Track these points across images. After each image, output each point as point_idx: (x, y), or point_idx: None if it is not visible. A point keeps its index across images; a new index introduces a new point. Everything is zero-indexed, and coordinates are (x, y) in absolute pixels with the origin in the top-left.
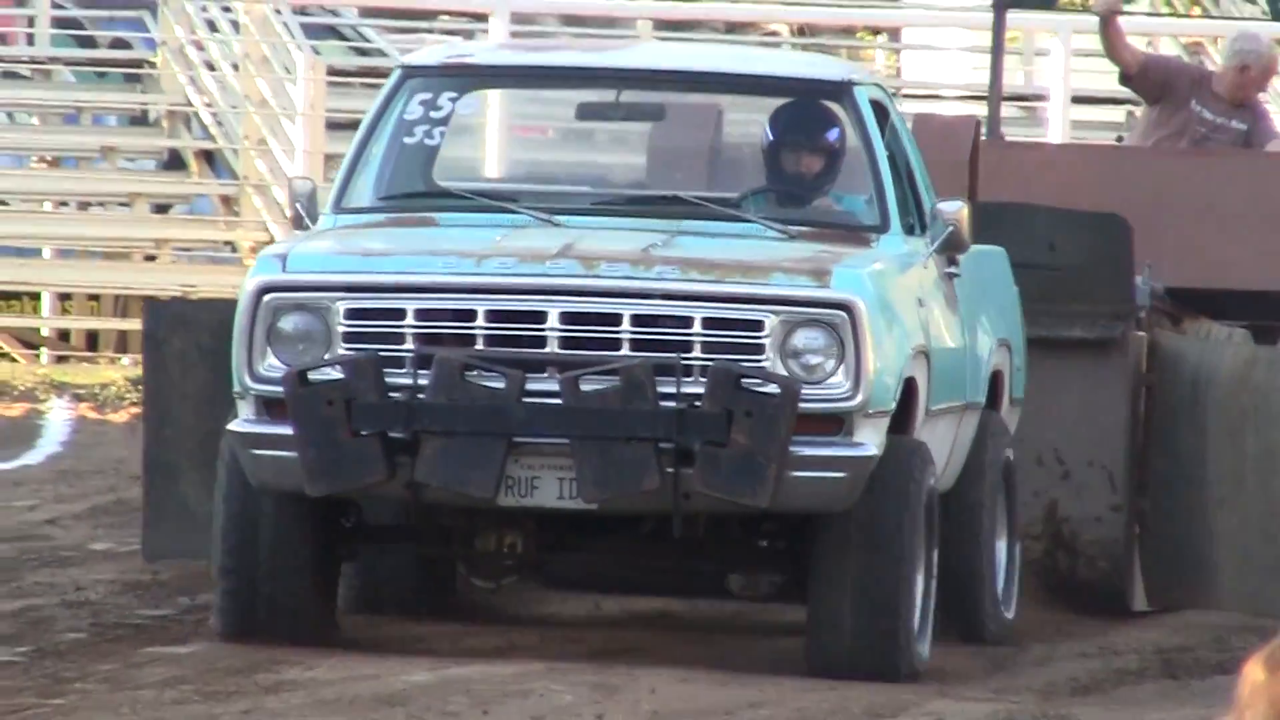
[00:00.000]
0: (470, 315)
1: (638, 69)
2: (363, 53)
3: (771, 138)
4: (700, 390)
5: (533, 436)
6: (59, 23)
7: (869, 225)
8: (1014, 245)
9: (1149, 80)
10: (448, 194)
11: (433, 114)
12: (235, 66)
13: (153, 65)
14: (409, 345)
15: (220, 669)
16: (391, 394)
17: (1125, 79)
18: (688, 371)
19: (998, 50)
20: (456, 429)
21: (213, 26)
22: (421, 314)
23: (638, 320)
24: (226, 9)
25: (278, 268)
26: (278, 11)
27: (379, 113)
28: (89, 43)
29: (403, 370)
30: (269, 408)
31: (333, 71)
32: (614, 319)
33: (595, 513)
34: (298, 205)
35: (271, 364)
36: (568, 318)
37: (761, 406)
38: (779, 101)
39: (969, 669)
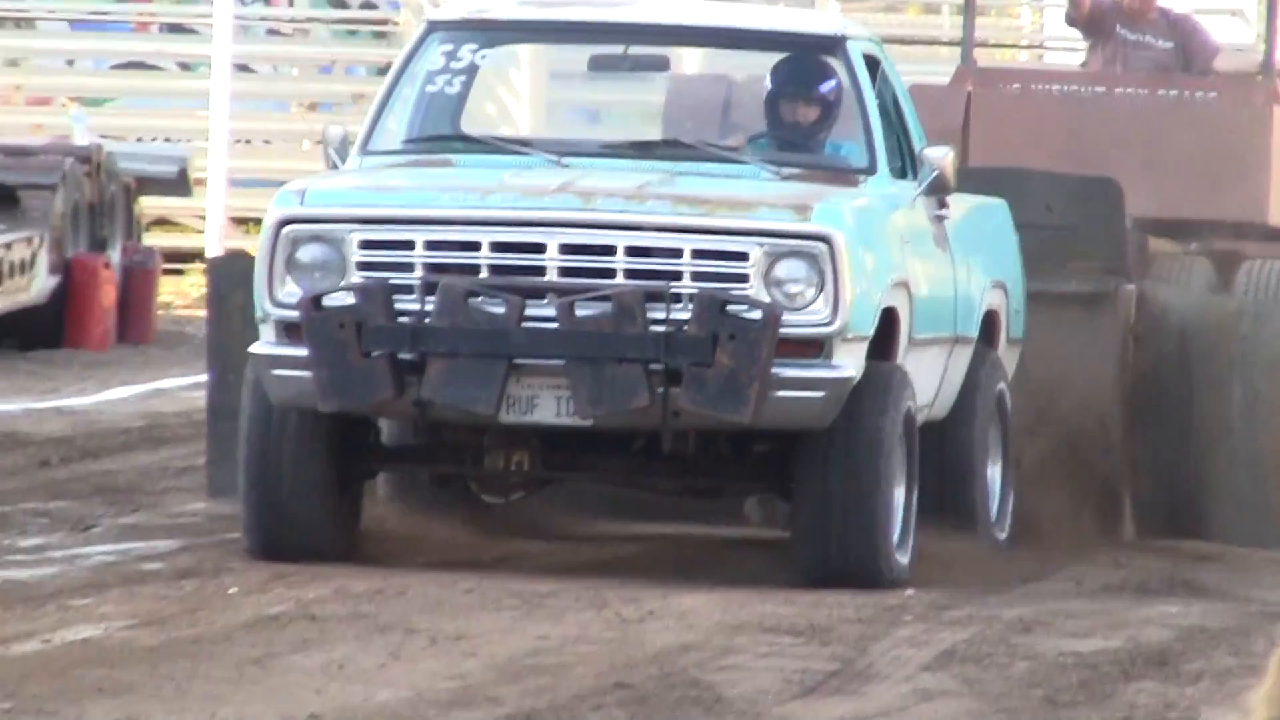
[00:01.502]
0: (475, 246)
1: (645, 24)
2: None
3: (771, 88)
4: (688, 315)
5: (531, 358)
6: None
7: (858, 168)
8: (1014, 206)
9: (1092, 17)
10: (467, 138)
11: (454, 64)
12: None
13: (396, 23)
14: (418, 274)
15: None
16: (400, 318)
17: (1071, 19)
18: (677, 298)
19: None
20: (460, 350)
21: None
22: (430, 244)
23: (631, 251)
24: None
25: (296, 201)
26: None
27: (404, 63)
28: (341, 4)
29: (411, 296)
30: (288, 331)
31: None
32: (609, 249)
33: (590, 429)
34: (330, 149)
35: (290, 291)
36: (566, 248)
37: (744, 330)
38: (779, 55)
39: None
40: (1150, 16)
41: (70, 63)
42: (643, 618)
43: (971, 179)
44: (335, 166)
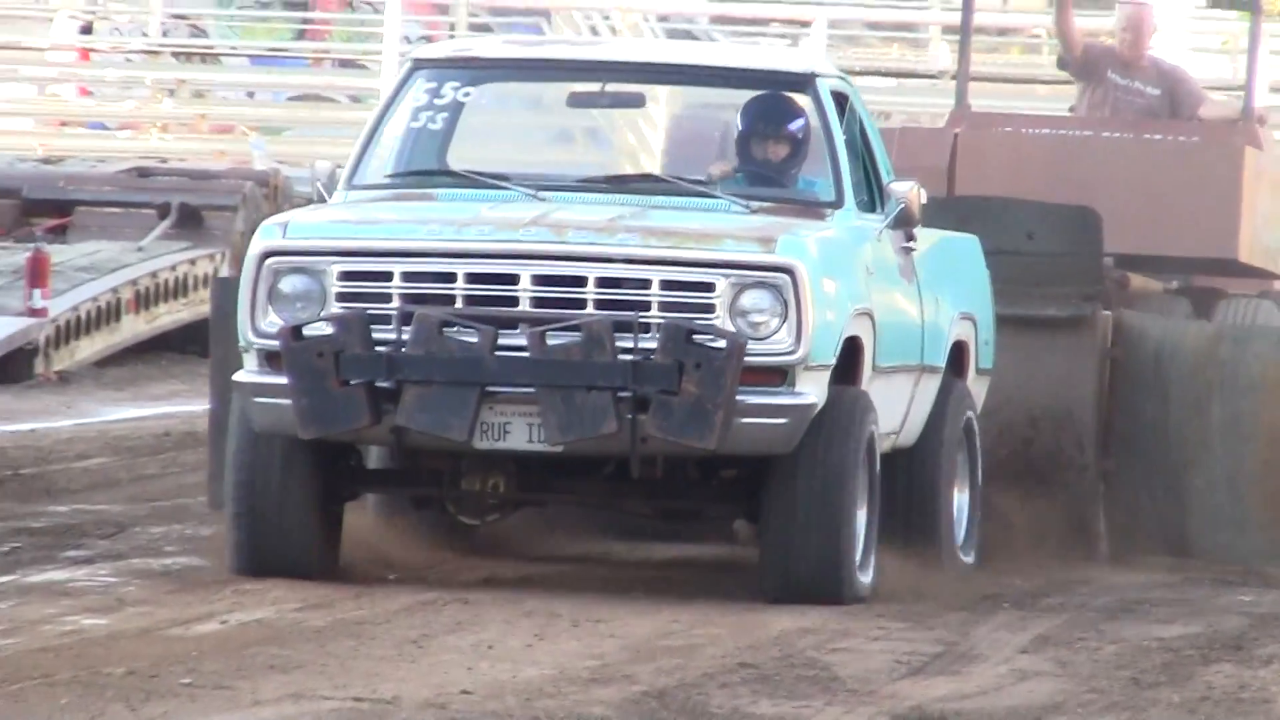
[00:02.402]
0: (450, 277)
1: (623, 62)
2: None
3: (742, 128)
4: (656, 345)
5: (503, 385)
6: (473, 28)
7: (825, 202)
8: (996, 234)
9: (1085, 61)
10: (449, 173)
11: (438, 101)
12: None
13: None
14: (395, 304)
15: None
16: (378, 348)
17: (1064, 63)
18: (645, 328)
19: (966, 27)
20: (435, 378)
21: (594, 31)
22: (406, 276)
23: (602, 282)
24: (606, 17)
25: (279, 234)
26: (646, 19)
27: (390, 100)
28: None
29: (389, 327)
30: (269, 360)
31: None
32: (580, 280)
33: (561, 455)
34: (318, 184)
35: (272, 321)
36: (539, 279)
37: (710, 358)
38: (752, 92)
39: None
40: (1141, 64)
41: (251, 94)
42: (764, 605)
43: (955, 208)
44: (322, 199)
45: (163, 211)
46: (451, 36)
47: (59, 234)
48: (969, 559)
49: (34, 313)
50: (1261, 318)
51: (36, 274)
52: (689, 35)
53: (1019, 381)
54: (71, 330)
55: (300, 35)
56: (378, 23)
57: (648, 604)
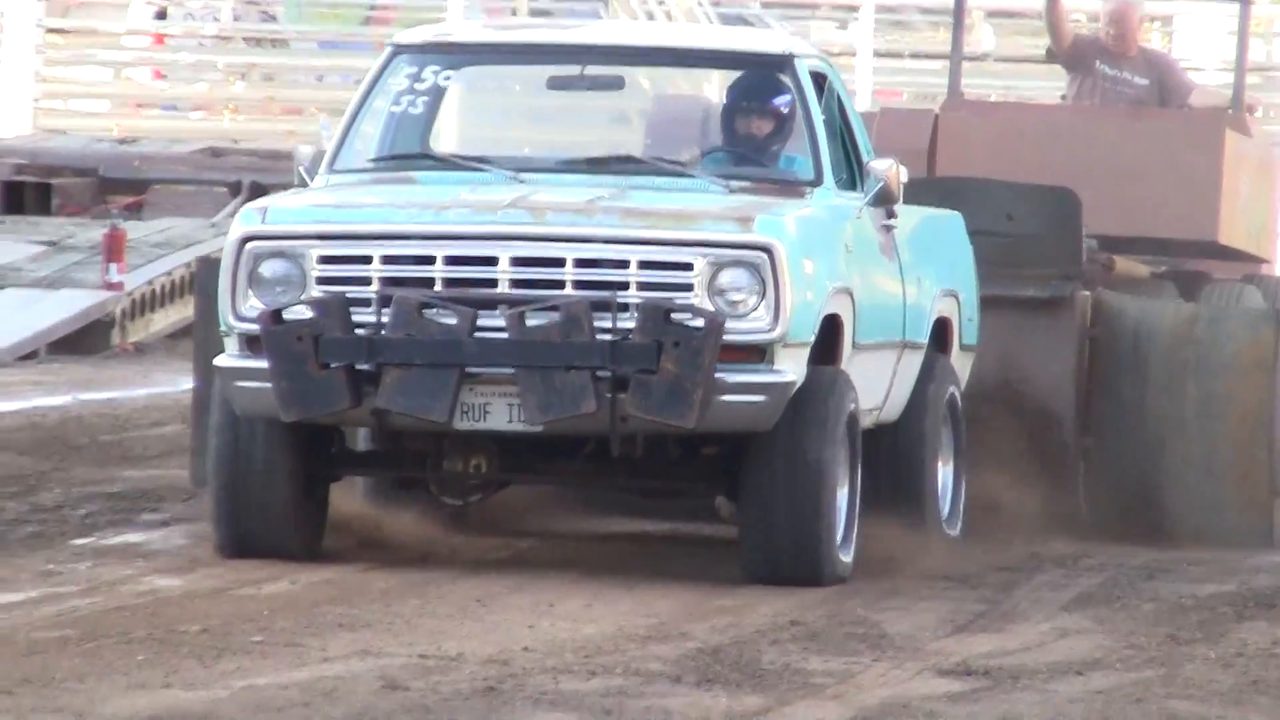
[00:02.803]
0: (430, 260)
1: (603, 45)
2: None
3: (726, 102)
4: (634, 324)
5: (483, 367)
6: (534, 12)
7: (805, 180)
8: (976, 215)
9: (1074, 52)
10: (429, 156)
11: (418, 86)
12: None
13: None
14: (375, 287)
15: None
16: (357, 330)
17: (1053, 55)
18: (624, 308)
19: (958, 14)
20: (414, 360)
21: (650, 16)
22: (386, 259)
23: (580, 263)
24: (660, 1)
25: (259, 219)
26: (700, 4)
27: (370, 85)
28: None
29: (369, 310)
30: (250, 344)
31: None
32: (559, 262)
33: (542, 434)
34: (300, 168)
35: (253, 305)
36: (517, 261)
37: (688, 337)
38: (732, 73)
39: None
40: (1130, 54)
41: (319, 78)
42: None
43: (936, 188)
44: (305, 184)
45: (234, 189)
46: None
47: (135, 211)
48: (954, 532)
49: (111, 286)
50: (1244, 302)
51: (113, 249)
52: (741, 20)
53: (999, 361)
54: (146, 303)
55: (366, 21)
56: (442, 8)
57: (700, 567)
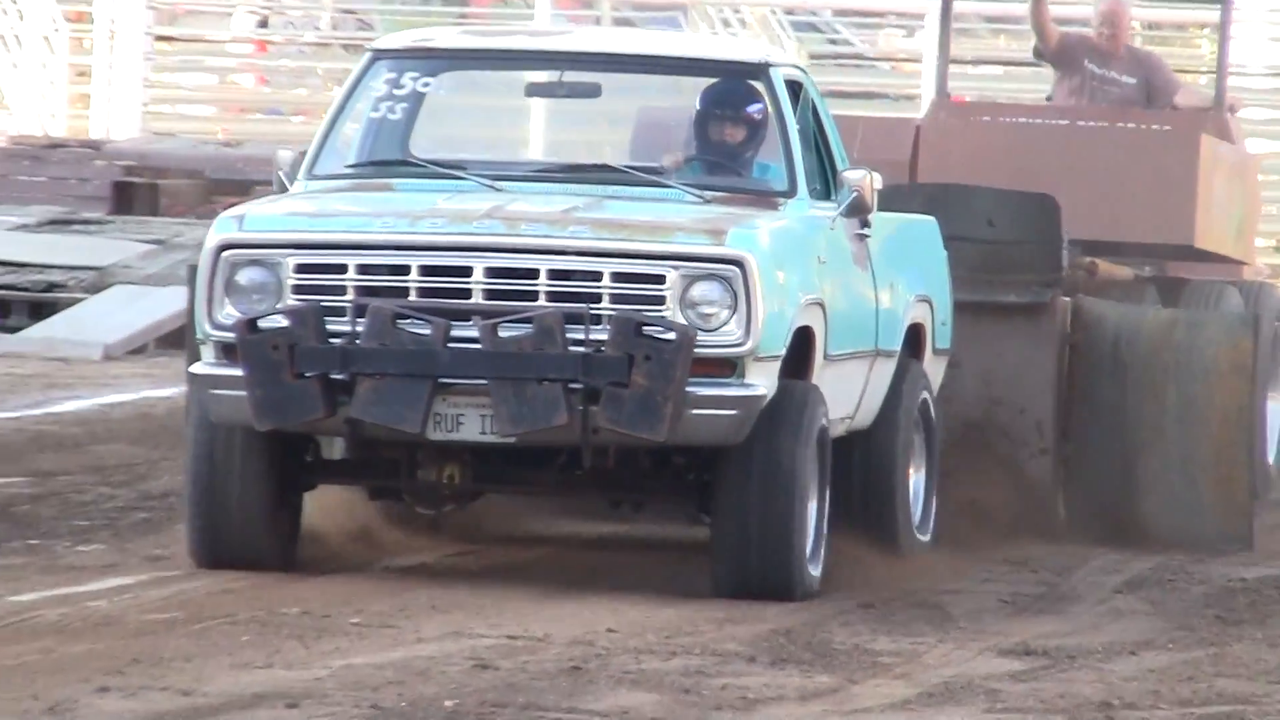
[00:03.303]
0: (405, 270)
1: (579, 52)
2: (833, 41)
3: (700, 108)
4: (607, 337)
5: (456, 378)
6: (616, 21)
7: (779, 191)
8: (957, 221)
9: (1061, 51)
10: (406, 163)
11: (397, 92)
12: None
13: None
14: (350, 297)
15: None
16: (332, 340)
17: (1040, 53)
18: (596, 320)
19: (945, 18)
20: (388, 371)
21: (726, 24)
22: (361, 269)
23: (554, 274)
24: (736, 10)
25: (235, 227)
26: (773, 11)
27: (349, 90)
28: None
29: (344, 319)
30: (226, 352)
31: (812, 56)
32: (532, 273)
33: (514, 446)
34: (279, 173)
35: (229, 313)
36: (491, 272)
37: (659, 351)
38: (707, 81)
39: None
40: (1118, 54)
41: None
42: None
43: (917, 195)
44: (284, 189)
45: None
46: None
47: None
48: (925, 538)
49: None
50: (1223, 305)
51: None
52: (813, 28)
53: (979, 367)
54: None
55: None
56: (529, 17)
57: None
